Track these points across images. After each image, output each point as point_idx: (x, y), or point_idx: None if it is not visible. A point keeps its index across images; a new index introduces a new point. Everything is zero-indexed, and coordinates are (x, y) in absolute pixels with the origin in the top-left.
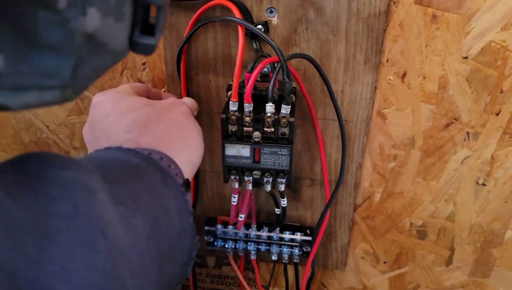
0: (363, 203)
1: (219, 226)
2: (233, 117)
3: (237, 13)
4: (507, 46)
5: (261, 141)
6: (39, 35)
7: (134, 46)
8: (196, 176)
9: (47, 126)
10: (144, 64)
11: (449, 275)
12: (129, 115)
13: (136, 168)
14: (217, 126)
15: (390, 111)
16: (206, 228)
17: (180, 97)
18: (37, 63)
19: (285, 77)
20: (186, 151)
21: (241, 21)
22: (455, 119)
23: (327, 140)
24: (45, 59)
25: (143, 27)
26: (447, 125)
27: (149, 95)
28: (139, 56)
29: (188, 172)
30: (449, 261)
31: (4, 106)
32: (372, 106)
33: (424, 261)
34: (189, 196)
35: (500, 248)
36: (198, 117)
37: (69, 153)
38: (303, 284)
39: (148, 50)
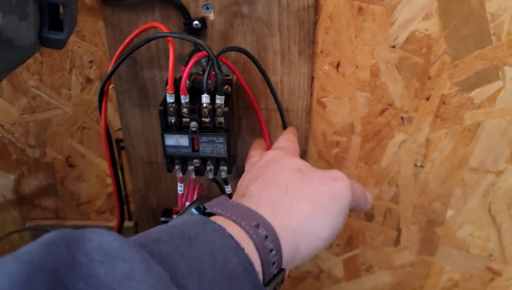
0: None
1: (174, 217)
2: (170, 109)
3: (164, 29)
4: (429, 34)
5: (198, 131)
6: None
7: (44, 41)
8: (150, 168)
9: (2, 126)
10: (91, 62)
11: (398, 254)
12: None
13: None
14: None
15: (329, 100)
16: (162, 219)
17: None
18: None
19: (216, 69)
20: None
21: (168, 34)
22: (389, 105)
23: (271, 129)
24: None
25: (52, 24)
26: (383, 111)
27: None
28: (86, 54)
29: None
30: (397, 241)
31: None
32: (311, 95)
33: (374, 243)
34: None
35: (443, 227)
36: (147, 112)
37: (25, 152)
38: None
39: (58, 45)
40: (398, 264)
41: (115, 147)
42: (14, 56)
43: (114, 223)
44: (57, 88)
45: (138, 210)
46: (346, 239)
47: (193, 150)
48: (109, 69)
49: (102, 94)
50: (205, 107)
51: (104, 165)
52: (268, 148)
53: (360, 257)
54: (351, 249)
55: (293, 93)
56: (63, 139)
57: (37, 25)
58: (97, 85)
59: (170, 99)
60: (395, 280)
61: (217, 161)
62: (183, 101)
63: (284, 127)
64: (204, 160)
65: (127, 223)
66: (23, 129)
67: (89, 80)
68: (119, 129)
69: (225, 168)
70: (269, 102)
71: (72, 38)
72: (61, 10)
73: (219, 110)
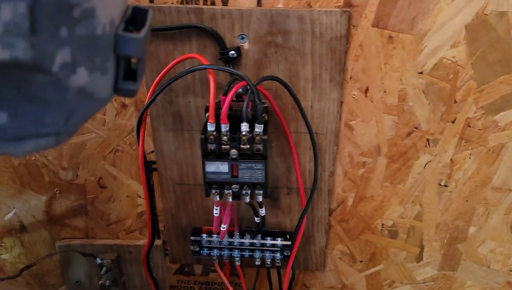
0: (337, 207)
1: (204, 236)
2: (211, 137)
3: (203, 60)
4: (457, 61)
5: (238, 158)
6: (37, 93)
7: (118, 91)
8: (181, 189)
9: None
10: None
11: (421, 270)
12: None
13: None
14: (197, 143)
15: (357, 123)
16: (192, 238)
17: None
18: (35, 116)
19: (256, 99)
20: None
21: (209, 66)
22: (416, 128)
23: (301, 151)
24: (42, 112)
25: (126, 74)
26: (409, 134)
27: None
28: None
29: None
30: (419, 258)
31: (7, 154)
32: (340, 119)
33: (397, 259)
34: None
35: (465, 243)
36: (180, 136)
37: (58, 174)
38: (284, 286)
39: (131, 94)
40: (420, 279)
41: (147, 170)
42: (91, 108)
43: (142, 241)
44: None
45: (168, 229)
46: (370, 255)
47: (232, 176)
48: (147, 98)
49: (141, 121)
50: (245, 135)
51: (135, 186)
52: (297, 169)
53: (383, 272)
54: (374, 265)
55: (323, 117)
56: (96, 161)
57: (114, 78)
58: (131, 110)
59: (211, 127)
60: None
61: (253, 186)
62: (223, 129)
63: (314, 149)
64: (241, 185)
65: (156, 242)
66: (57, 152)
67: (124, 106)
68: (152, 152)
69: (261, 192)
70: (299, 125)
71: None
72: (132, 60)
73: (258, 138)
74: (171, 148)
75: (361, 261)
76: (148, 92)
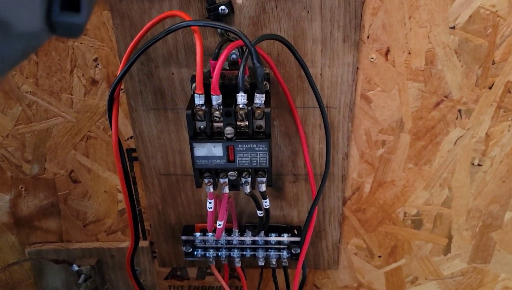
0: (352, 195)
1: (198, 234)
2: (200, 112)
3: (186, 18)
4: (497, 11)
5: (234, 137)
6: None
7: (54, 26)
8: (168, 181)
9: None
10: (96, 60)
11: (448, 264)
12: None
13: None
14: (185, 124)
15: (375, 93)
16: (183, 237)
17: None
18: None
19: (255, 61)
20: None
21: (193, 23)
22: (446, 97)
23: (309, 130)
24: None
25: (64, 2)
26: (437, 104)
27: None
28: (90, 51)
29: None
30: (447, 250)
31: None
32: (355, 89)
33: (421, 252)
34: None
35: (500, 231)
36: (163, 116)
37: (21, 168)
38: (294, 288)
39: (73, 31)
40: (447, 274)
41: (126, 158)
42: (12, 48)
43: (126, 243)
44: (56, 92)
45: (155, 228)
46: (390, 249)
47: (228, 160)
48: (120, 69)
49: (112, 99)
50: (242, 109)
51: (114, 179)
52: (305, 152)
53: (405, 268)
54: (395, 260)
55: (335, 87)
56: (65, 151)
57: (45, 4)
58: (103, 87)
59: (199, 100)
60: None
61: (255, 172)
62: (214, 102)
63: (326, 126)
64: (239, 172)
65: (142, 243)
66: (18, 142)
67: (94, 82)
68: (131, 138)
69: (265, 179)
70: (306, 99)
71: None
72: None
73: (258, 111)
74: (153, 132)
75: (379, 256)
76: (121, 62)
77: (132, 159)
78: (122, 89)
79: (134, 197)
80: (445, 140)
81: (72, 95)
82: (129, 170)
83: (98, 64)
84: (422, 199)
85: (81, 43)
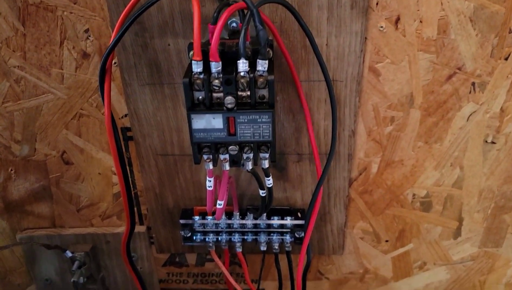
0: (358, 176)
1: (197, 218)
2: (198, 81)
3: None
4: None
5: (235, 108)
6: None
7: None
8: (165, 161)
9: None
10: (87, 31)
11: (458, 248)
12: None
13: None
14: (183, 100)
15: (384, 65)
16: (181, 221)
17: None
18: None
19: (258, 24)
20: None
21: None
22: (459, 69)
23: (313, 105)
24: None
25: None
26: (450, 77)
27: None
28: (80, 22)
29: None
30: (457, 233)
31: None
32: (363, 60)
33: (430, 236)
34: None
35: None
36: (160, 91)
37: (10, 149)
38: (298, 274)
39: None
40: (457, 259)
41: (121, 138)
42: None
43: (122, 229)
44: (45, 67)
45: (152, 212)
46: (397, 233)
47: (229, 133)
48: (111, 39)
49: (104, 72)
50: (243, 77)
51: (108, 161)
52: (310, 129)
53: (413, 253)
54: (403, 245)
55: (342, 59)
56: (56, 131)
57: None
58: (95, 61)
59: (197, 68)
60: (453, 277)
61: (258, 147)
62: (214, 70)
63: (332, 101)
64: (240, 147)
65: (139, 228)
66: (7, 121)
67: (85, 55)
68: (125, 116)
69: (267, 155)
70: (311, 71)
71: (61, 1)
72: None
73: (261, 79)
74: (149, 109)
75: (386, 241)
76: (113, 31)
77: (127, 139)
78: (115, 63)
79: (130, 179)
80: (457, 116)
81: (62, 70)
82: (124, 150)
83: (90, 36)
84: (432, 180)
85: (71, 13)
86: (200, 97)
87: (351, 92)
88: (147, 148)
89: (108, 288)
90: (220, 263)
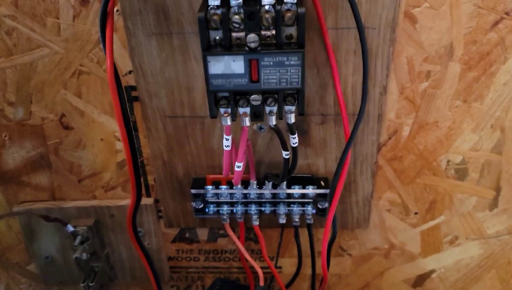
0: (388, 140)
1: (210, 188)
2: (215, 17)
3: None
4: None
5: (259, 47)
6: None
7: None
8: (174, 124)
9: None
10: None
11: (494, 221)
12: None
13: None
14: (194, 53)
15: (422, 11)
16: (192, 191)
17: None
18: None
19: None
20: None
21: None
22: (506, 14)
23: (341, 58)
24: None
25: None
26: (496, 23)
27: None
28: None
29: None
30: (493, 204)
31: None
32: (399, 3)
33: (463, 207)
34: None
35: None
36: (168, 43)
37: (4, 112)
38: (323, 249)
39: None
40: (491, 232)
41: (125, 98)
42: None
43: (127, 201)
44: (40, 16)
45: (160, 183)
46: (428, 204)
47: (251, 80)
48: None
49: (105, 18)
50: (268, 11)
51: (111, 125)
52: (338, 86)
53: (444, 226)
54: (433, 217)
55: (375, 1)
56: (54, 91)
57: None
58: (95, 8)
59: (215, 1)
60: (486, 253)
61: (284, 97)
62: (234, 2)
63: (363, 52)
64: (264, 98)
65: (145, 200)
66: None
67: (84, 2)
68: (130, 72)
69: (294, 108)
70: (340, 17)
71: None
72: None
73: (289, 14)
74: (156, 63)
75: (416, 213)
76: None
77: (132, 99)
78: (117, 10)
79: (136, 145)
80: (502, 70)
81: (58, 19)
82: (128, 112)
83: None
84: (469, 144)
85: None
86: (218, 37)
87: (385, 42)
88: (154, 109)
89: (113, 266)
90: (235, 237)
